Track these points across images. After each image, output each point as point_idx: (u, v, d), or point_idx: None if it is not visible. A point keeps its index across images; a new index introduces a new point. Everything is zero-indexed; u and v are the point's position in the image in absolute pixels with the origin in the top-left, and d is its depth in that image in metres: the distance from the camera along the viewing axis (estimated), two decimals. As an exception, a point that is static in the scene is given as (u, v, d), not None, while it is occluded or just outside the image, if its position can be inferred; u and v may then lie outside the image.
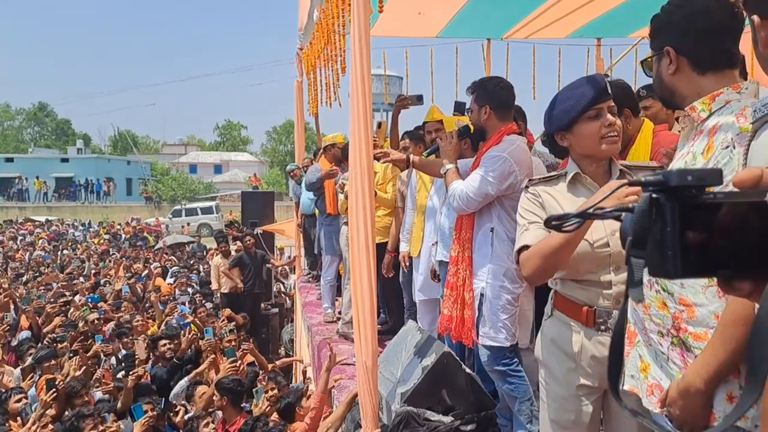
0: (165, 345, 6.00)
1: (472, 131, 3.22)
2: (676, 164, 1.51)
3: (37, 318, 7.24)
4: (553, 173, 2.14)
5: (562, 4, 5.33)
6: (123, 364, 5.79)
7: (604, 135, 1.98)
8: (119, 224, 28.14)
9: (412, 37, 7.70)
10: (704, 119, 1.48)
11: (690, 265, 0.71)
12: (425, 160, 3.52)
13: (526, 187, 2.11)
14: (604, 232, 1.92)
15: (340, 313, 5.45)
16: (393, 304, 5.03)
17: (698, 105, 1.49)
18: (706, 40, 1.48)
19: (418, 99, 4.74)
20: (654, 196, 0.74)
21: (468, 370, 3.14)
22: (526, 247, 1.94)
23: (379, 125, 5.05)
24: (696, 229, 0.71)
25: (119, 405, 4.57)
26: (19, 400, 4.23)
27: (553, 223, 0.93)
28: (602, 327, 1.93)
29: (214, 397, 4.48)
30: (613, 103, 2.02)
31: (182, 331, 6.16)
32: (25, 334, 6.98)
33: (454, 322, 2.94)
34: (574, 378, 1.98)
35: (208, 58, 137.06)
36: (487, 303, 2.81)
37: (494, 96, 2.98)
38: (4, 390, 4.68)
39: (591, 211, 0.86)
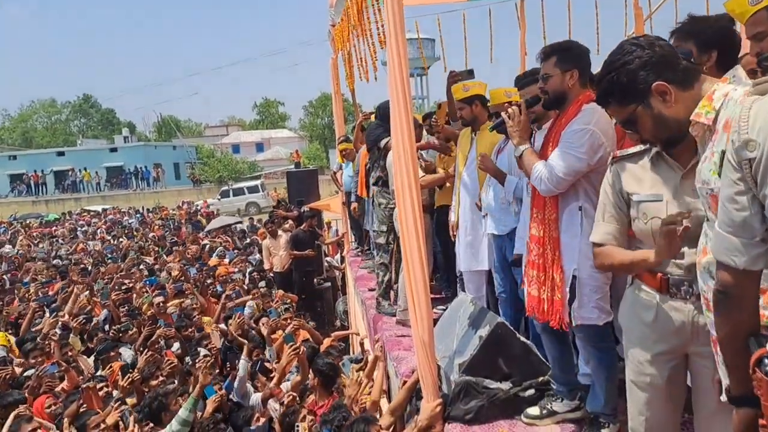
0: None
1: (542, 100, 2.90)
2: (703, 166, 1.58)
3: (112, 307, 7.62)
4: (638, 148, 2.11)
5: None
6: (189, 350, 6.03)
7: None
8: (172, 209, 28.93)
9: (443, 3, 7.61)
10: (714, 119, 1.55)
11: None
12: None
13: (612, 162, 2.15)
14: (681, 210, 1.95)
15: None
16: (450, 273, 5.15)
17: (701, 110, 1.57)
18: (677, 62, 1.66)
19: (469, 73, 4.77)
20: None
21: (522, 339, 3.20)
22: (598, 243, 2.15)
23: (439, 106, 5.10)
24: None
25: (197, 391, 4.80)
26: (101, 389, 4.49)
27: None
28: (675, 294, 2.00)
29: (310, 377, 4.70)
30: None
31: (234, 314, 6.42)
32: (102, 316, 7.32)
33: (545, 303, 2.79)
34: (650, 342, 2.06)
35: (243, 40, 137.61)
36: (581, 285, 2.71)
37: (581, 59, 2.76)
38: (89, 376, 4.98)
39: None
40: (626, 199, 2.09)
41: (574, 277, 2.72)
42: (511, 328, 3.19)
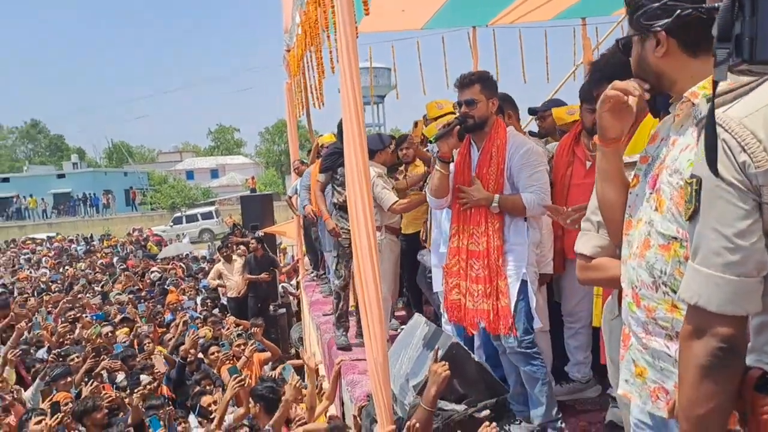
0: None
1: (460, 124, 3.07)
2: (681, 154, 1.38)
3: (51, 338, 7.29)
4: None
5: (547, -13, 5.37)
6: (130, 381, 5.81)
7: None
8: (120, 238, 28.12)
9: (397, 31, 7.72)
10: None
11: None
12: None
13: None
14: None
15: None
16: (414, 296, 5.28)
17: (699, 90, 1.34)
18: (698, 20, 1.37)
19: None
20: None
21: (477, 359, 3.19)
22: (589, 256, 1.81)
23: (416, 124, 5.10)
24: None
25: (129, 420, 4.60)
26: (39, 422, 4.24)
27: None
28: None
29: (250, 405, 4.55)
30: None
31: (188, 332, 6.26)
32: (41, 352, 6.99)
33: (491, 314, 2.93)
34: None
35: (197, 64, 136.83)
36: (529, 289, 2.90)
37: (497, 89, 3.03)
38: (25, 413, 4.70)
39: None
40: None
41: (523, 282, 2.87)
42: (466, 348, 3.18)
